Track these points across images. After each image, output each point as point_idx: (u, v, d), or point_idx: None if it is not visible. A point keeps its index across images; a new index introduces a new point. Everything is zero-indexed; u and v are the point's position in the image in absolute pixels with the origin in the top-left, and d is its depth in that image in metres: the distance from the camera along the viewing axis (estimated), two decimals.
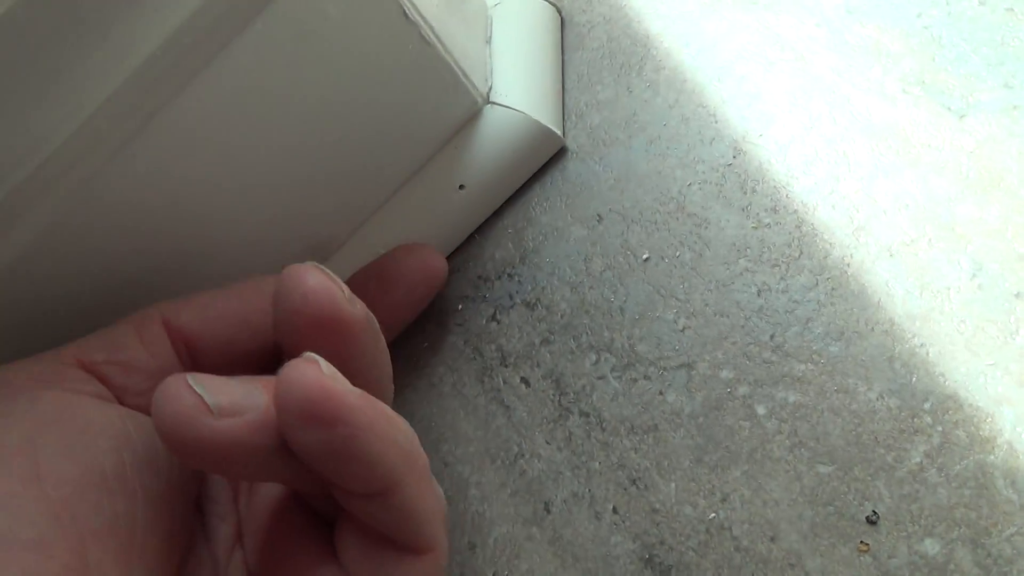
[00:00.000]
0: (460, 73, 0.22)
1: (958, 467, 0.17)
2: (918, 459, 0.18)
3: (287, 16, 0.18)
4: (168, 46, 0.17)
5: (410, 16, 0.20)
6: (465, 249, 0.25)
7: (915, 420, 0.18)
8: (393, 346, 0.24)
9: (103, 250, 0.19)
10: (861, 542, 0.18)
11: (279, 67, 0.19)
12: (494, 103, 0.24)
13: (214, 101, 0.18)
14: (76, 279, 0.20)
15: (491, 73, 0.25)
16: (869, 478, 0.18)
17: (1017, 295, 0.18)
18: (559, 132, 0.24)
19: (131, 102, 0.17)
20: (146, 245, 0.20)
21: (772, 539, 0.18)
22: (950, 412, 0.18)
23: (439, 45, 0.21)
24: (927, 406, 0.18)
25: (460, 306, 0.24)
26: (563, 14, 0.27)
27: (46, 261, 0.18)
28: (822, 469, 0.19)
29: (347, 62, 0.20)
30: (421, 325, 0.25)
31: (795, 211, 0.21)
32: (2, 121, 0.16)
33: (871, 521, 0.18)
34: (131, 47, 0.16)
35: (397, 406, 0.23)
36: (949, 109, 0.20)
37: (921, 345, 0.19)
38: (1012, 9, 0.21)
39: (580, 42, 0.26)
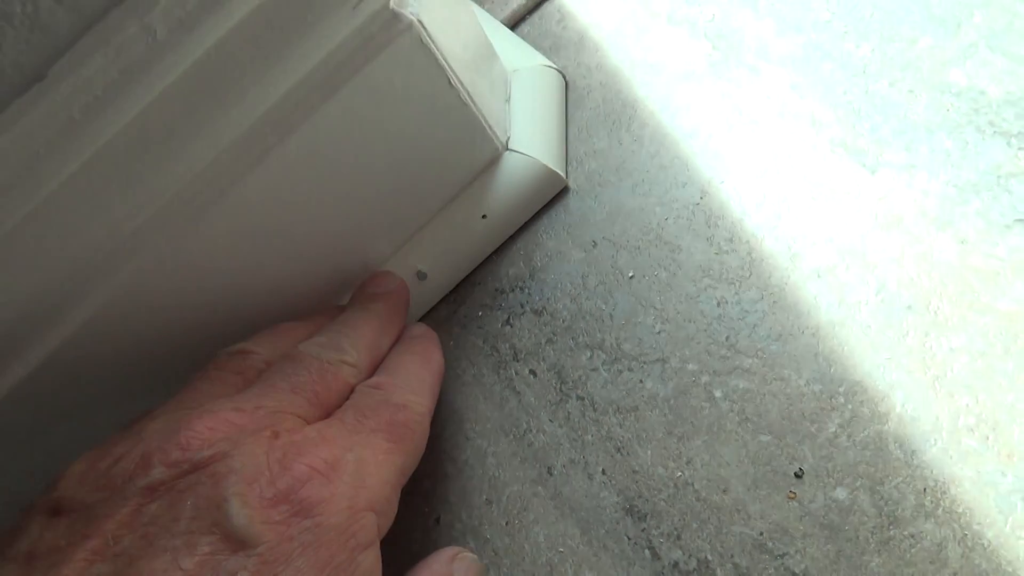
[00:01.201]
0: (487, 126, 0.28)
1: (862, 435, 0.23)
2: (833, 429, 0.23)
3: (365, 85, 0.23)
4: (268, 114, 0.22)
5: (452, 83, 0.26)
6: (485, 267, 0.31)
7: (832, 400, 0.24)
8: None
9: (217, 275, 0.25)
10: (790, 491, 0.23)
11: (355, 125, 0.24)
12: (512, 150, 0.30)
13: (304, 154, 0.24)
14: (192, 304, 0.25)
15: (510, 126, 0.31)
16: (797, 444, 0.24)
17: (909, 307, 0.24)
18: (563, 174, 0.30)
19: (245, 150, 0.22)
20: (246, 270, 0.26)
21: (724, 491, 0.24)
22: (857, 394, 0.24)
23: (472, 105, 0.27)
24: (841, 390, 0.24)
25: (480, 313, 0.30)
26: (568, 80, 0.33)
27: (159, 292, 0.24)
28: (763, 438, 0.24)
29: (404, 118, 0.26)
30: (448, 328, 0.30)
31: (747, 241, 0.27)
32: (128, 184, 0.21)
33: (798, 476, 0.23)
34: (243, 115, 0.22)
35: None
36: (864, 165, 0.26)
37: (838, 344, 0.24)
38: (913, 91, 0.27)
39: (581, 102, 0.33)
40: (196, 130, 0.22)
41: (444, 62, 0.25)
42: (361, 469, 0.20)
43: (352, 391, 0.24)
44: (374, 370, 0.25)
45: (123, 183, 0.21)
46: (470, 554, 0.23)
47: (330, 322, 0.26)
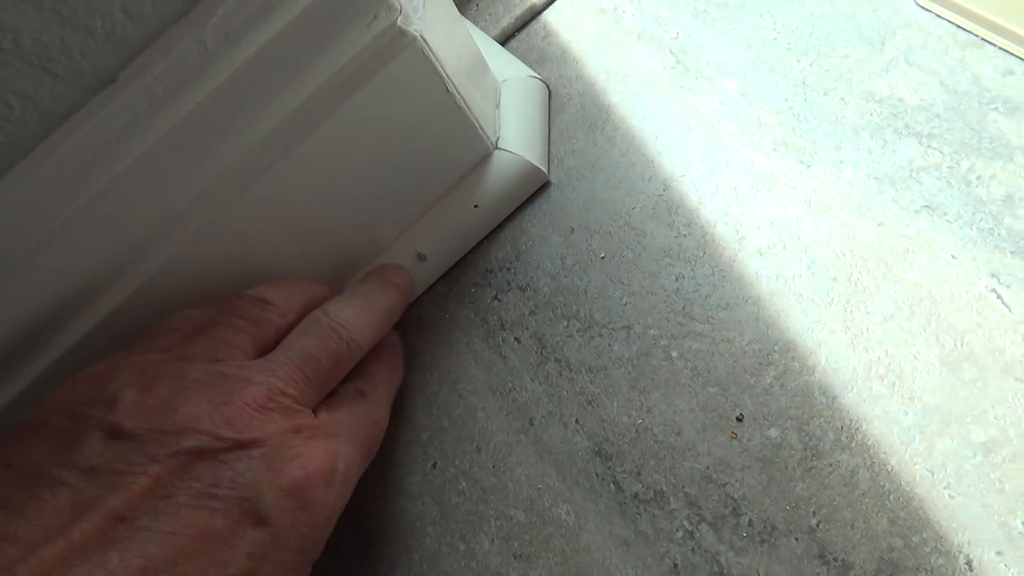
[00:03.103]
0: (479, 127, 0.33)
1: (792, 384, 0.27)
2: (769, 380, 0.28)
3: (375, 90, 0.28)
4: (293, 114, 0.26)
5: (449, 89, 0.30)
6: (477, 250, 0.35)
7: (769, 357, 0.28)
8: (424, 318, 0.34)
9: (251, 240, 0.29)
10: (732, 432, 0.27)
11: (366, 124, 0.29)
12: (501, 149, 0.34)
13: (323, 149, 0.28)
14: (225, 279, 0.30)
15: (499, 128, 0.35)
16: (739, 393, 0.28)
17: (834, 279, 0.28)
18: (545, 170, 0.35)
19: (273, 145, 0.27)
20: (271, 249, 0.30)
21: (677, 434, 0.28)
22: (790, 351, 0.28)
23: (466, 108, 0.32)
24: (777, 348, 0.28)
25: (472, 290, 0.34)
26: (551, 88, 0.38)
27: (201, 257, 0.28)
28: (711, 389, 0.28)
29: (406, 120, 0.30)
30: (444, 303, 0.34)
31: (702, 226, 0.31)
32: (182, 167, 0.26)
33: (739, 419, 0.27)
34: (272, 114, 0.27)
35: (427, 360, 0.33)
36: (801, 162, 0.31)
37: (775, 311, 0.29)
38: (844, 99, 0.32)
39: (562, 108, 0.37)
40: (236, 126, 0.26)
41: (442, 71, 0.29)
42: (347, 477, 0.25)
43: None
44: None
45: (176, 169, 0.25)
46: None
47: (356, 292, 0.31)
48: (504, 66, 0.38)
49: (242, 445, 0.23)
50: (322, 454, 0.24)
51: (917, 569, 0.23)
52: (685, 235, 0.32)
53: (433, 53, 0.28)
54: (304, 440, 0.24)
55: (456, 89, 0.30)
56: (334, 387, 0.27)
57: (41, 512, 0.20)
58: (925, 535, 0.24)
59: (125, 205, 0.25)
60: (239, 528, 0.21)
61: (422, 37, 0.27)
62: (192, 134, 0.25)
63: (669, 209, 0.32)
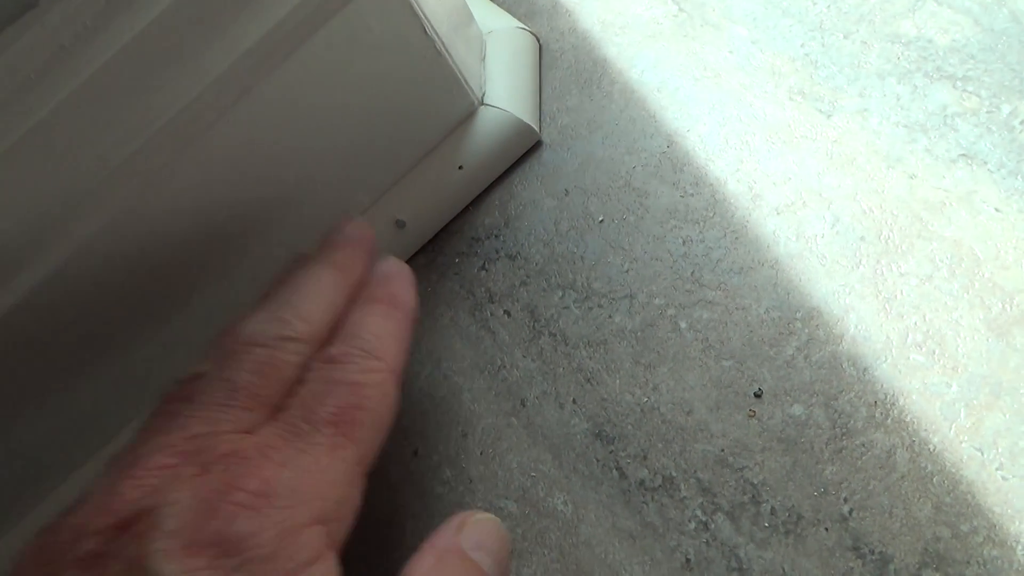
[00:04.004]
0: (462, 79, 0.30)
1: (817, 356, 0.24)
2: (791, 352, 0.25)
3: (342, 28, 0.24)
4: (250, 51, 0.23)
5: (428, 32, 0.27)
6: (462, 216, 0.32)
7: (790, 326, 0.25)
8: None
9: (206, 197, 0.26)
10: (750, 410, 0.24)
11: (333, 68, 0.25)
12: (487, 104, 0.31)
13: (284, 94, 0.25)
14: (171, 244, 0.26)
15: (485, 82, 0.32)
16: (757, 367, 0.25)
17: (862, 238, 0.25)
18: (536, 128, 0.32)
19: (228, 85, 0.24)
20: (225, 212, 0.27)
21: (688, 413, 0.25)
22: (814, 319, 0.25)
23: (447, 56, 0.28)
24: (799, 316, 0.25)
25: (457, 260, 0.31)
26: (541, 42, 0.35)
27: (161, 202, 0.25)
28: (725, 363, 0.25)
29: (379, 66, 0.27)
30: (426, 275, 0.31)
31: (711, 184, 0.28)
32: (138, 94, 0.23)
33: (757, 395, 0.24)
34: (226, 50, 0.23)
35: None
36: (820, 111, 0.28)
37: (796, 275, 0.26)
38: (866, 42, 0.28)
39: (554, 63, 0.34)
40: (179, 65, 0.23)
41: (420, 11, 0.26)
42: (300, 484, 0.19)
43: (303, 369, 0.22)
44: (332, 332, 0.23)
45: (109, 114, 0.22)
46: (481, 514, 0.21)
47: (281, 287, 0.24)
48: (490, 17, 0.35)
49: (128, 524, 0.18)
50: (243, 477, 0.19)
51: (967, 562, 0.20)
52: (692, 195, 0.28)
53: None
54: (215, 480, 0.19)
55: (436, 32, 0.27)
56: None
57: None
58: (976, 523, 0.21)
59: (51, 155, 0.22)
60: None
61: None
62: (129, 72, 0.22)
63: (674, 167, 0.29)
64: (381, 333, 0.23)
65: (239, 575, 0.17)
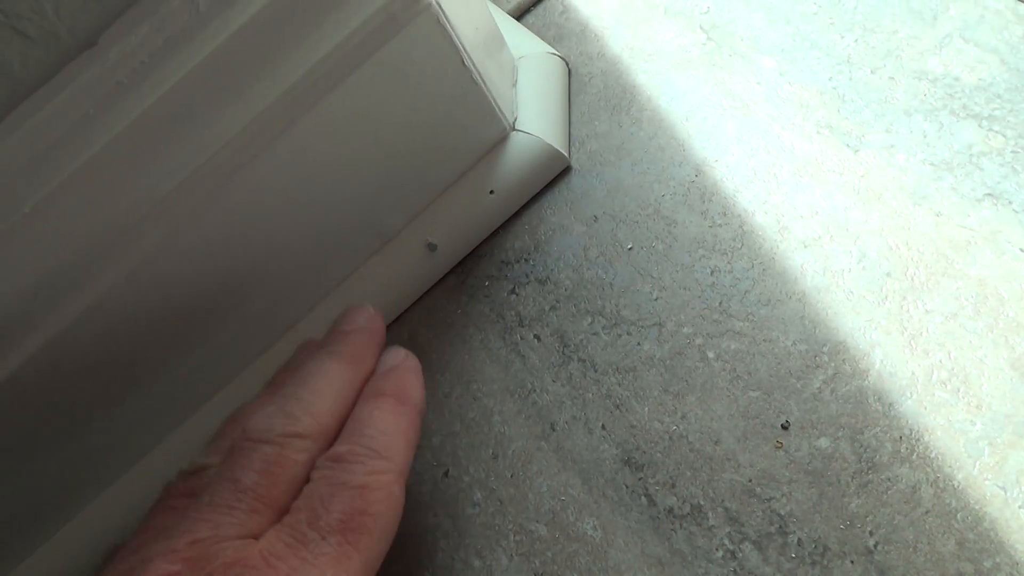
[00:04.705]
0: (495, 106, 0.30)
1: (844, 389, 0.25)
2: (818, 385, 0.25)
3: (387, 60, 0.25)
4: (297, 84, 0.24)
5: (465, 63, 0.28)
6: (491, 240, 0.32)
7: (816, 359, 0.26)
8: (433, 313, 0.31)
9: (249, 223, 0.26)
10: (777, 441, 0.25)
11: (375, 99, 0.26)
12: (518, 130, 0.32)
13: (328, 124, 0.25)
14: (217, 268, 0.27)
15: (516, 108, 0.32)
16: (784, 399, 0.25)
17: (888, 274, 0.26)
18: (566, 154, 0.32)
19: (274, 118, 0.24)
20: (268, 236, 0.27)
21: (716, 442, 0.26)
22: (840, 353, 0.25)
23: (482, 84, 0.29)
24: (825, 349, 0.26)
25: (487, 283, 0.32)
26: (571, 67, 0.35)
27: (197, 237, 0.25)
28: (752, 394, 0.26)
29: (417, 95, 0.27)
30: (456, 298, 0.32)
31: (739, 215, 0.29)
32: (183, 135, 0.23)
33: (784, 427, 0.25)
34: (274, 84, 0.24)
35: (437, 358, 0.31)
36: (848, 146, 0.28)
37: (823, 308, 0.26)
38: (893, 78, 0.29)
39: (583, 88, 0.34)
40: (230, 98, 0.23)
41: (458, 42, 0.27)
42: None
43: (310, 466, 0.22)
44: (339, 427, 0.23)
45: (163, 146, 0.23)
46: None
47: (289, 378, 0.24)
48: (520, 42, 0.35)
49: None
50: None
51: None
52: (720, 225, 0.29)
53: (448, 22, 0.26)
54: None
55: (472, 62, 0.28)
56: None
57: None
58: (998, 560, 0.21)
59: (105, 186, 0.22)
60: None
61: (437, 3, 0.25)
62: (181, 106, 0.22)
63: (702, 196, 0.30)
64: (389, 430, 0.23)
65: None
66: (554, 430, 0.28)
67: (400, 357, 0.26)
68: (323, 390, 0.23)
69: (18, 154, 0.21)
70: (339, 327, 0.26)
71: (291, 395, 0.23)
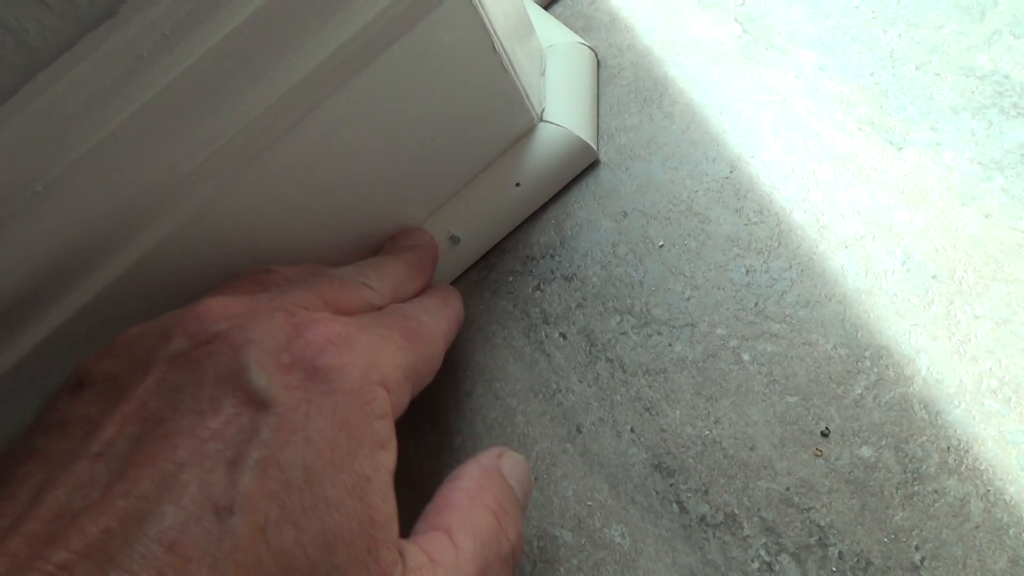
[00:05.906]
0: (524, 95, 0.29)
1: (887, 396, 0.24)
2: (859, 391, 0.24)
3: (415, 43, 0.24)
4: (323, 64, 0.23)
5: (496, 48, 0.26)
6: (516, 234, 0.31)
7: (858, 364, 0.25)
8: None
9: (262, 224, 0.25)
10: (816, 449, 0.24)
11: (401, 81, 0.25)
12: (546, 121, 0.31)
13: (355, 106, 0.24)
14: (236, 252, 0.26)
15: (544, 98, 0.31)
16: (824, 405, 0.24)
17: (934, 277, 0.25)
18: (594, 147, 0.31)
19: (299, 98, 0.23)
20: (288, 222, 0.26)
21: (751, 449, 0.25)
22: (883, 358, 0.24)
23: (512, 72, 0.28)
24: (867, 354, 0.25)
25: (511, 278, 0.31)
26: (600, 58, 0.34)
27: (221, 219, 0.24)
28: (790, 399, 0.25)
29: (446, 80, 0.26)
30: (478, 292, 0.31)
31: (776, 213, 0.28)
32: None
33: (824, 434, 0.24)
34: (300, 64, 0.23)
35: (458, 355, 0.29)
36: (891, 143, 0.27)
37: (865, 311, 0.25)
38: (939, 74, 0.28)
39: (612, 80, 0.33)
40: (254, 76, 0.22)
41: (489, 26, 0.26)
42: (374, 349, 0.20)
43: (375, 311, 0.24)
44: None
45: (183, 124, 0.22)
46: (515, 453, 0.24)
47: (358, 263, 0.27)
48: (548, 31, 0.34)
49: (220, 336, 0.19)
50: (325, 324, 0.20)
51: None
52: (756, 223, 0.28)
53: (481, 4, 0.25)
54: (301, 319, 0.20)
55: (503, 47, 0.27)
56: None
57: None
58: None
59: (123, 164, 0.21)
60: (236, 422, 0.18)
61: None
62: (204, 83, 0.21)
63: (737, 193, 0.29)
64: (436, 312, 0.25)
65: (325, 400, 0.18)
66: (580, 432, 0.27)
67: (445, 286, 0.29)
68: (390, 273, 0.26)
69: (32, 129, 0.20)
70: (400, 242, 0.29)
71: (363, 264, 0.26)
